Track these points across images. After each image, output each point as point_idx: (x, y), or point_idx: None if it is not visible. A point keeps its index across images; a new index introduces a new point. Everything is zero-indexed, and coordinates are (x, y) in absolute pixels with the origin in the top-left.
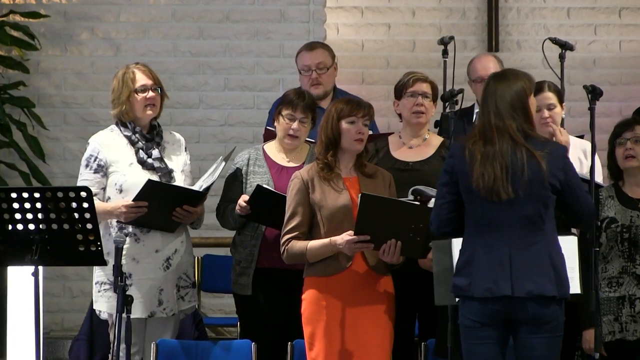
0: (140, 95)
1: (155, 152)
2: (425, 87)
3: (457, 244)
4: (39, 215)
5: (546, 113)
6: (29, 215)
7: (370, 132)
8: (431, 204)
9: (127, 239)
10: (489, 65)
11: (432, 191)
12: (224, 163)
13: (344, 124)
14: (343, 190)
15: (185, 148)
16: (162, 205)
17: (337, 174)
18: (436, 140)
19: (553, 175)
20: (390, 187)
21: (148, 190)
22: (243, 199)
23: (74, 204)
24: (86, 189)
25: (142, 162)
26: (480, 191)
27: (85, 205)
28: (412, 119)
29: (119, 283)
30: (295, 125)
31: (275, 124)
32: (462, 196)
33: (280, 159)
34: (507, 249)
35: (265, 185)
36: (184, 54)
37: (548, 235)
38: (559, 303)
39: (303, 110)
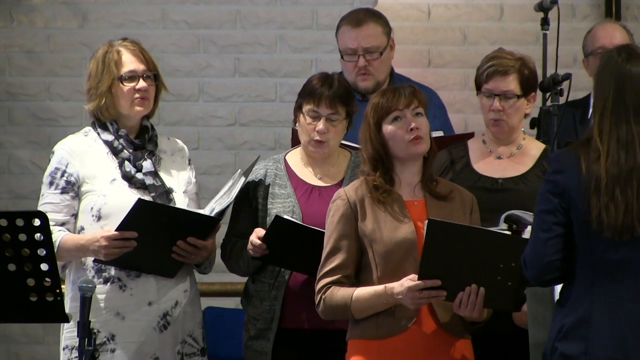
0: (127, 85)
1: (147, 164)
2: (506, 84)
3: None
4: None
5: None
6: None
7: (440, 133)
8: (526, 233)
9: (108, 285)
10: (615, 35)
11: (531, 217)
12: (243, 179)
13: (387, 127)
14: (405, 218)
15: (189, 160)
16: (157, 237)
17: (397, 195)
18: (536, 148)
19: None
20: (473, 214)
21: (139, 215)
22: (257, 235)
23: (22, 236)
24: (40, 214)
25: (128, 178)
26: (604, 230)
27: (39, 237)
28: (490, 126)
29: (86, 347)
30: (320, 125)
31: (297, 125)
32: (574, 228)
33: (308, 174)
34: (638, 303)
35: (286, 216)
36: (178, 24)
37: None
38: None
39: (330, 102)
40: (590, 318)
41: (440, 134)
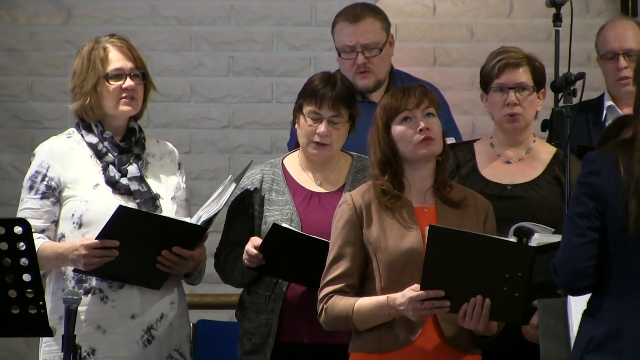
0: (114, 85)
1: (132, 169)
2: (520, 76)
3: (576, 304)
4: None
5: None
6: None
7: (452, 140)
8: (534, 241)
9: (89, 297)
10: (627, 35)
11: (544, 231)
12: (234, 185)
13: (397, 128)
14: (413, 226)
15: (180, 165)
16: (141, 247)
17: (406, 201)
18: (547, 152)
19: None
20: (487, 223)
21: (120, 223)
22: (253, 244)
23: (4, 245)
24: (22, 222)
25: (112, 184)
26: None
27: (22, 246)
28: (504, 123)
29: None
30: (322, 128)
31: (297, 127)
32: (608, 234)
33: (308, 180)
34: None
35: (285, 225)
36: (168, 21)
37: None
38: None
39: (333, 104)
40: (622, 330)
41: (452, 140)
